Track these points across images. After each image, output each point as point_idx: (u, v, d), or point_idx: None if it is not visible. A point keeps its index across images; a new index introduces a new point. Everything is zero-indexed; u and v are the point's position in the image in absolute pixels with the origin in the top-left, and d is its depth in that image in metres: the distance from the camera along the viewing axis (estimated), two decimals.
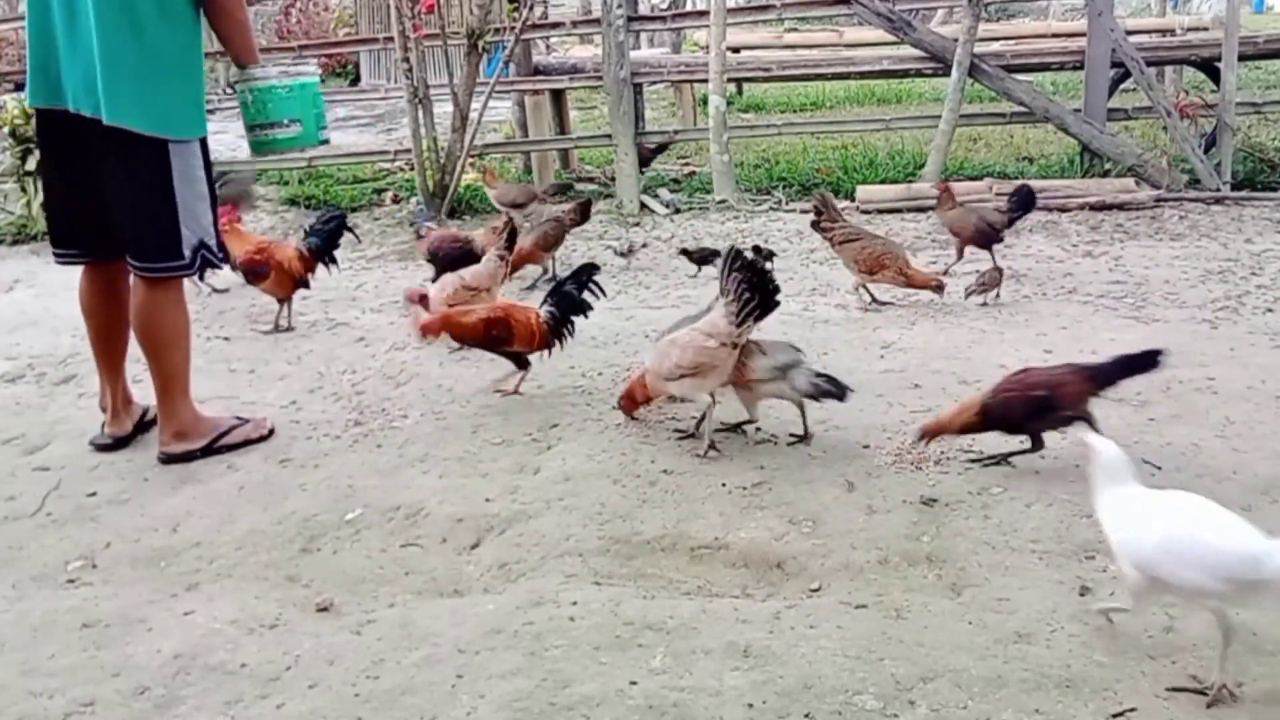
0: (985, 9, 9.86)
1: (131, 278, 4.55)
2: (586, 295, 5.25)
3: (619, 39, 9.28)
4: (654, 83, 12.22)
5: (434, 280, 6.25)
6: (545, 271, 7.18)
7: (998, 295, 6.29)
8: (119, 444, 4.85)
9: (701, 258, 7.04)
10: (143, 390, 4.99)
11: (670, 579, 3.64)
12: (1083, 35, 9.62)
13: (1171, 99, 9.45)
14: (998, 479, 4.12)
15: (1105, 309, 6.17)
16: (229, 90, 8.45)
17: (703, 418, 4.53)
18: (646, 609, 3.39)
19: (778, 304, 4.26)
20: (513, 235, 6.08)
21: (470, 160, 9.36)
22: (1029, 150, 10.63)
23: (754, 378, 4.41)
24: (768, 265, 4.62)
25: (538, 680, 3.05)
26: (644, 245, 6.66)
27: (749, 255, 4.27)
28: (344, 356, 5.94)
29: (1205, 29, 12.49)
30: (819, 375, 4.45)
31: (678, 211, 9.11)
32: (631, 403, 4.71)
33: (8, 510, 4.38)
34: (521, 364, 5.22)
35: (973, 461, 4.27)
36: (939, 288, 6.18)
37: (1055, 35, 13.13)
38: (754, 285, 4.13)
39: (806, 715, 2.88)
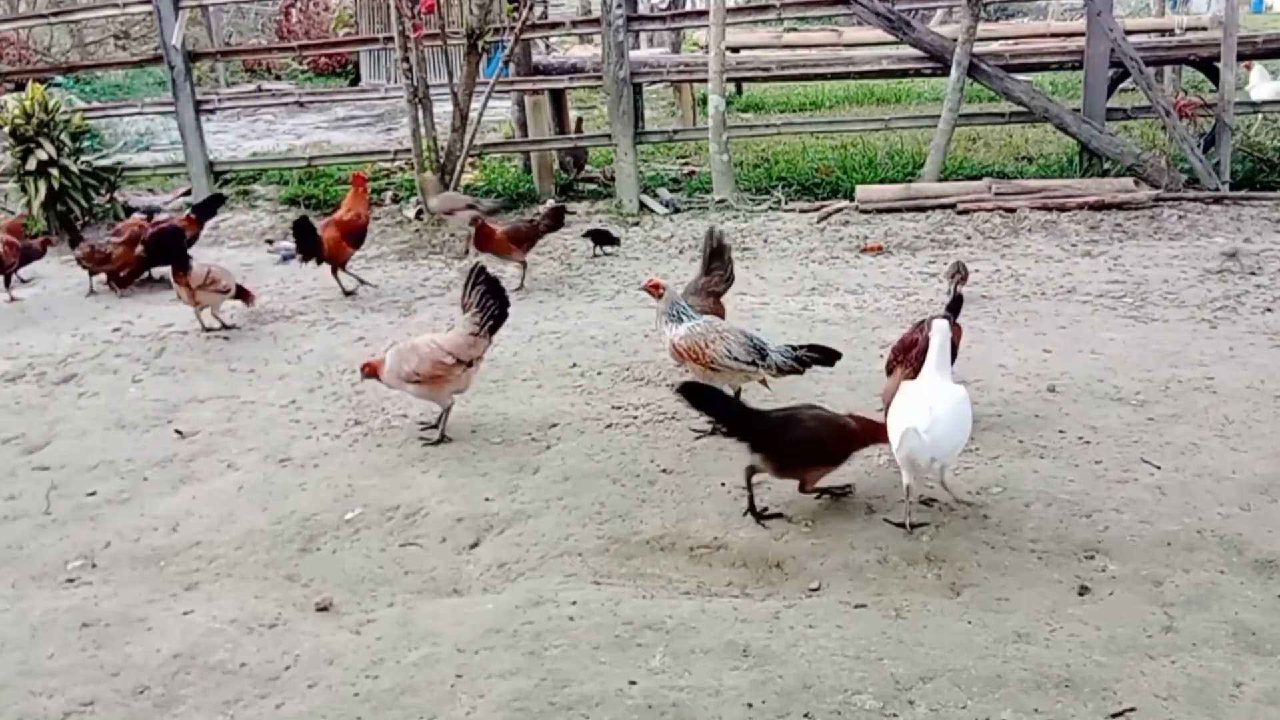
0: (984, 8, 9.85)
1: None
2: None
3: (618, 39, 9.28)
4: (653, 82, 12.21)
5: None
6: (523, 269, 7.19)
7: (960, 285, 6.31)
8: None
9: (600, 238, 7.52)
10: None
11: (669, 579, 3.65)
12: (1082, 35, 9.60)
13: (1170, 98, 9.45)
14: (997, 479, 4.12)
15: (1104, 308, 6.17)
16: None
17: (443, 414, 4.74)
18: (646, 608, 3.39)
19: (506, 316, 4.71)
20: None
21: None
22: (1028, 150, 10.62)
23: (727, 366, 4.46)
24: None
25: (537, 680, 3.06)
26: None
27: (493, 274, 4.71)
28: (344, 356, 5.94)
29: (1204, 29, 12.49)
30: (799, 348, 4.48)
31: (677, 211, 9.10)
32: (370, 370, 4.79)
33: (8, 510, 4.38)
34: None
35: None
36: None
37: (1054, 35, 13.10)
38: (496, 297, 4.62)
39: (806, 715, 2.88)
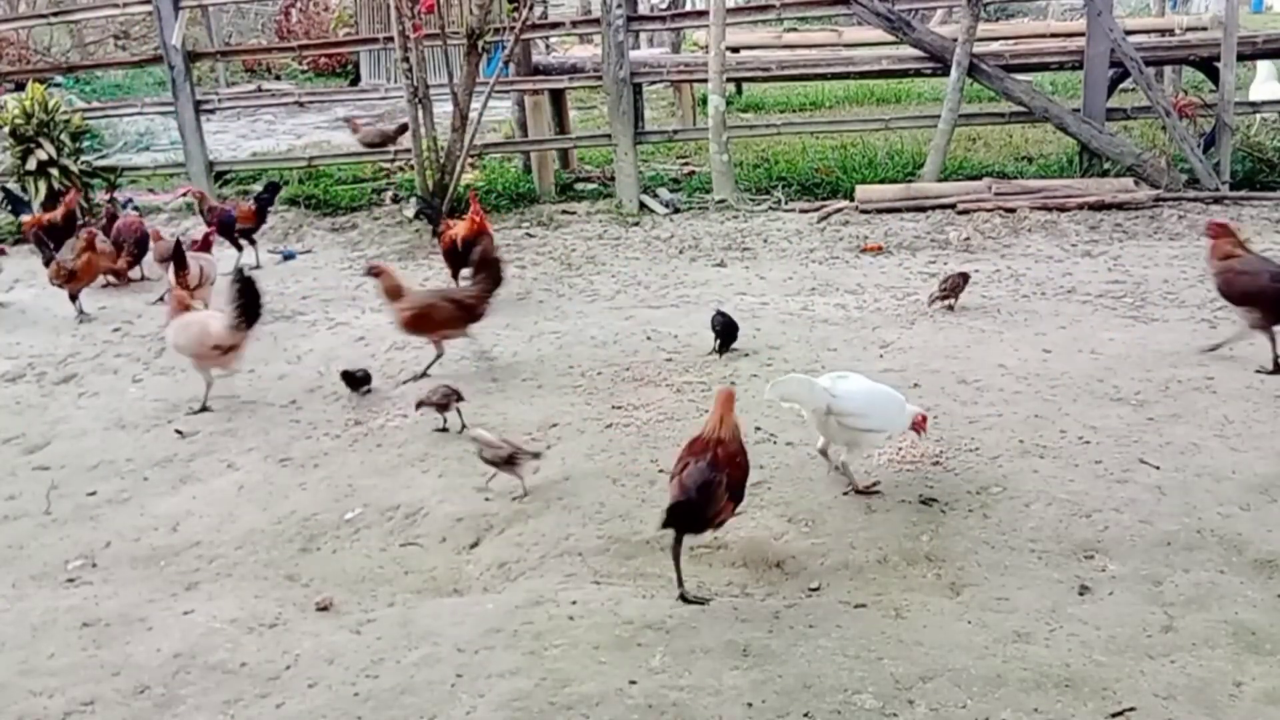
0: (984, 9, 9.85)
1: None
2: None
3: (618, 39, 9.28)
4: (653, 82, 12.21)
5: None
6: None
7: (951, 304, 6.21)
8: None
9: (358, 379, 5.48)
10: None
11: (669, 579, 3.64)
12: (1082, 35, 9.60)
13: (1170, 99, 9.44)
14: (997, 478, 4.12)
15: (1104, 308, 6.17)
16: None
17: (206, 387, 5.36)
18: (646, 608, 3.39)
19: (259, 315, 5.27)
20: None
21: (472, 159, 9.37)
22: (1028, 150, 10.62)
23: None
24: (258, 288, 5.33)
25: (537, 679, 3.06)
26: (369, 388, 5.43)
27: (249, 275, 5.33)
28: (344, 356, 5.94)
29: (1204, 29, 12.48)
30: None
31: (677, 211, 9.11)
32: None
33: (8, 510, 4.38)
34: None
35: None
36: None
37: (1054, 35, 13.08)
38: (250, 299, 5.19)
39: (806, 714, 2.88)
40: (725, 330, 5.62)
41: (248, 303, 5.21)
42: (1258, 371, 5.03)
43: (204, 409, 5.31)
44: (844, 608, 3.37)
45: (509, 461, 4.17)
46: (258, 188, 10.37)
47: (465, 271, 6.49)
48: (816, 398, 3.89)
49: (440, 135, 9.06)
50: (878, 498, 4.01)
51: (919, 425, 4.10)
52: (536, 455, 4.30)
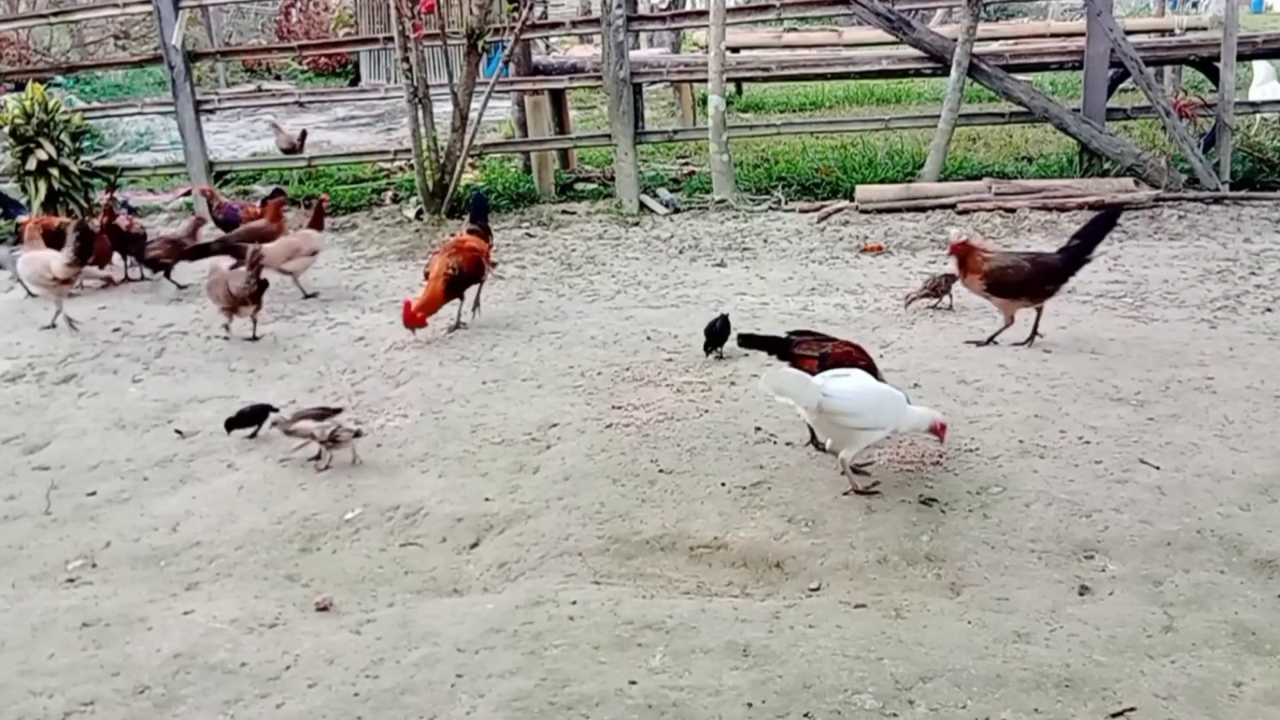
0: (984, 9, 9.85)
1: None
2: None
3: (618, 39, 9.28)
4: (653, 82, 12.21)
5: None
6: None
7: (949, 304, 6.20)
8: None
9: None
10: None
11: (669, 578, 3.65)
12: (1082, 35, 9.60)
13: (1170, 99, 9.44)
14: (997, 478, 4.12)
15: (1104, 308, 6.17)
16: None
17: (58, 311, 6.69)
18: (646, 608, 3.39)
19: (90, 253, 6.64)
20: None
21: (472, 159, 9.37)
22: (1028, 150, 10.62)
23: None
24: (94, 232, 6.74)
25: (537, 680, 3.06)
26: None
27: (87, 225, 6.70)
28: (344, 356, 5.94)
29: (1204, 29, 12.50)
30: None
31: (677, 211, 9.10)
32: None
33: (8, 510, 4.38)
34: None
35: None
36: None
37: (1054, 35, 13.10)
38: (84, 244, 6.46)
39: (806, 714, 2.88)
40: (710, 332, 5.59)
41: (81, 247, 6.43)
42: (1015, 345, 5.52)
43: (53, 326, 6.63)
44: (844, 608, 3.37)
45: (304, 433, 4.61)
46: (258, 188, 10.41)
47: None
48: (809, 395, 3.90)
49: (440, 135, 9.07)
50: (878, 498, 4.01)
51: (937, 431, 4.07)
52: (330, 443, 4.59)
